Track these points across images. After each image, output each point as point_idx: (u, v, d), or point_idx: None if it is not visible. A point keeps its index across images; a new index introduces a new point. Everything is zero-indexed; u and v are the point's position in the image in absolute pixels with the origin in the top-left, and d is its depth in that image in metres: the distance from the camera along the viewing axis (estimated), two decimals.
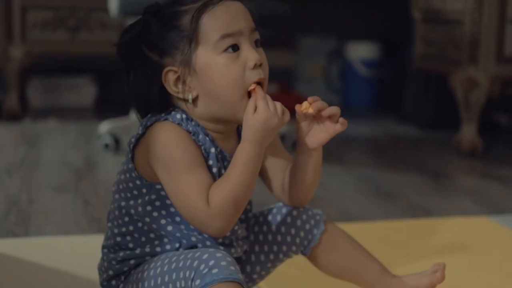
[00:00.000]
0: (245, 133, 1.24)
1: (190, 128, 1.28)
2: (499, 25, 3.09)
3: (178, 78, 1.28)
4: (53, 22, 3.68)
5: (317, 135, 1.34)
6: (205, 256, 1.20)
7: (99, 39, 3.68)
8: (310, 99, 1.32)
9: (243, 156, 1.24)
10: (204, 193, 1.22)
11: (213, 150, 1.29)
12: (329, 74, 4.57)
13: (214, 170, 1.29)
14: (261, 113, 1.23)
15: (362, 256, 1.44)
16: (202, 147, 1.28)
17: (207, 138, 1.29)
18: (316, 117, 1.34)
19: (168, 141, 1.25)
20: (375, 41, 4.42)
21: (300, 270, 1.59)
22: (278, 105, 1.26)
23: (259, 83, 1.27)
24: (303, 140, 1.35)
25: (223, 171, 1.30)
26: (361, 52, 4.40)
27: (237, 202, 1.22)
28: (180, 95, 1.28)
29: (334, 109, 1.33)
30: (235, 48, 1.26)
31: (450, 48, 3.27)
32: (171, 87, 1.28)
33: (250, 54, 1.27)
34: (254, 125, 1.23)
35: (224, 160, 1.31)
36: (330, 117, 1.33)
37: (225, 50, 1.26)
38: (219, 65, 1.26)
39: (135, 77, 1.30)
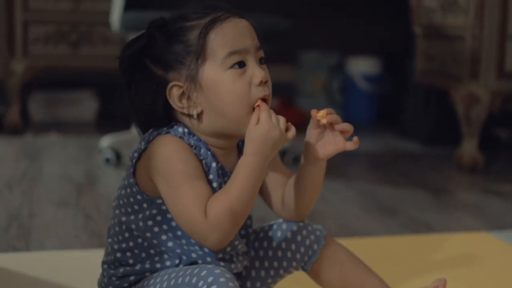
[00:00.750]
0: (247, 146, 1.24)
1: (192, 142, 1.28)
2: (499, 41, 3.10)
3: (182, 93, 1.28)
4: (55, 37, 3.69)
5: (326, 147, 1.35)
6: (204, 272, 1.20)
7: (101, 54, 3.69)
8: (327, 110, 1.33)
9: (244, 169, 1.24)
10: (203, 205, 1.22)
11: (214, 164, 1.29)
12: (330, 88, 4.58)
13: (215, 184, 1.29)
14: (263, 125, 1.23)
15: (363, 271, 1.44)
16: (203, 161, 1.28)
17: (209, 153, 1.29)
18: (329, 129, 1.34)
19: (169, 154, 1.25)
20: (376, 56, 4.43)
21: (300, 286, 1.59)
22: (282, 119, 1.26)
23: (264, 99, 1.28)
24: (310, 148, 1.35)
25: (223, 186, 1.30)
26: (362, 67, 4.40)
27: (235, 215, 1.22)
28: (185, 111, 1.28)
29: (348, 126, 1.34)
30: (241, 65, 1.27)
31: (450, 64, 3.27)
32: (176, 102, 1.28)
33: (256, 71, 1.28)
34: (256, 136, 1.24)
35: (224, 176, 1.31)
36: (342, 132, 1.34)
37: (232, 66, 1.26)
38: (226, 81, 1.26)
39: (137, 91, 1.30)
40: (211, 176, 1.29)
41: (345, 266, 1.43)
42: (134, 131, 3.20)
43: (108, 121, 4.05)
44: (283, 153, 3.03)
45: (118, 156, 2.98)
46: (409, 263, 1.89)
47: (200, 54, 1.26)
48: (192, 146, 1.28)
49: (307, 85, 4.58)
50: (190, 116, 1.29)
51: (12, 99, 3.70)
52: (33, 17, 3.66)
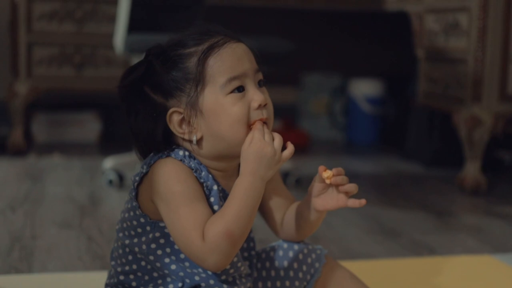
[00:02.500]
0: (241, 166, 1.25)
1: (192, 165, 1.28)
2: (502, 64, 3.11)
3: (182, 119, 1.29)
4: (59, 58, 3.71)
5: (327, 201, 1.36)
6: None
7: (104, 76, 3.71)
8: (335, 170, 1.33)
9: (240, 189, 1.24)
10: (201, 227, 1.23)
11: (215, 187, 1.29)
12: (333, 111, 4.58)
13: (216, 207, 1.29)
14: (255, 143, 1.24)
15: None
16: (204, 184, 1.29)
17: (210, 176, 1.30)
18: (333, 186, 1.35)
19: (169, 176, 1.26)
20: (378, 79, 4.44)
21: None
22: (277, 137, 1.27)
23: (264, 122, 1.29)
24: (311, 199, 1.36)
25: None
26: (364, 89, 4.41)
27: (232, 236, 1.22)
28: (186, 136, 1.29)
29: (352, 187, 1.34)
30: (240, 89, 1.28)
31: (453, 86, 3.28)
32: (176, 128, 1.29)
33: (255, 95, 1.28)
34: (248, 155, 1.24)
35: (225, 198, 1.32)
36: (346, 193, 1.34)
37: (231, 91, 1.27)
38: (225, 106, 1.27)
39: (137, 118, 1.31)
40: (212, 199, 1.29)
41: (347, 285, 1.43)
42: None
43: (111, 143, 4.06)
44: (285, 175, 3.03)
45: (121, 177, 2.98)
46: (412, 286, 1.88)
47: (199, 81, 1.27)
48: (192, 169, 1.28)
49: (310, 107, 4.59)
50: (190, 141, 1.30)
51: (16, 120, 3.71)
52: (37, 39, 3.68)
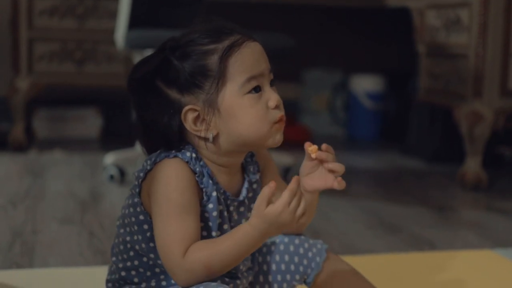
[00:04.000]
0: (253, 218, 1.21)
1: (197, 169, 1.28)
2: (503, 59, 3.11)
3: (197, 116, 1.28)
4: (60, 54, 3.71)
5: (315, 180, 1.34)
6: None
7: (106, 72, 3.70)
8: (323, 146, 1.33)
9: (240, 236, 1.22)
10: (184, 243, 1.22)
11: (214, 194, 1.29)
12: (334, 106, 4.59)
13: (214, 214, 1.29)
14: (277, 207, 1.20)
15: (365, 285, 1.44)
16: (204, 189, 1.28)
17: (210, 182, 1.29)
18: (323, 164, 1.34)
19: (169, 180, 1.25)
20: (379, 74, 4.44)
21: None
22: (302, 205, 1.22)
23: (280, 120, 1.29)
24: (301, 178, 1.35)
25: (225, 213, 1.31)
26: (365, 85, 4.42)
27: (210, 269, 1.22)
28: (201, 134, 1.28)
29: (338, 166, 1.32)
30: (257, 89, 1.27)
31: (454, 82, 3.28)
32: (191, 125, 1.28)
33: (271, 95, 1.28)
34: (266, 215, 1.20)
35: (226, 201, 1.32)
36: (332, 171, 1.33)
37: (249, 91, 1.27)
38: (244, 106, 1.26)
39: (149, 113, 1.29)
40: (210, 205, 1.29)
41: (348, 280, 1.43)
42: (138, 148, 3.21)
43: (112, 138, 4.06)
44: (286, 171, 3.03)
45: (122, 173, 2.98)
46: (413, 281, 1.89)
47: (220, 79, 1.26)
48: (196, 173, 1.28)
49: (311, 103, 4.59)
50: (205, 139, 1.29)
51: (17, 116, 3.71)
52: (38, 35, 3.68)
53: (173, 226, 1.23)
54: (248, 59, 1.27)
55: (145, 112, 1.29)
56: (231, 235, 1.23)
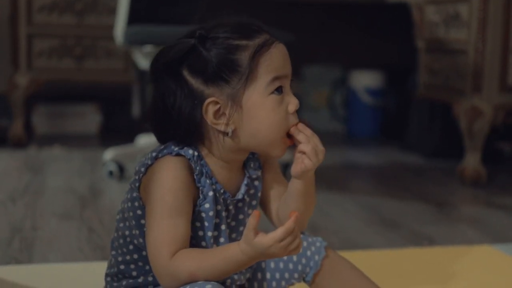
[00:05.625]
0: (243, 244, 1.19)
1: (197, 168, 1.28)
2: (502, 55, 3.11)
3: (218, 110, 1.26)
4: (59, 50, 3.71)
5: (298, 164, 1.32)
6: None
7: (105, 68, 3.70)
8: (299, 125, 1.31)
9: (228, 256, 1.21)
10: (173, 245, 1.22)
11: (211, 193, 1.28)
12: (333, 102, 4.59)
13: (211, 213, 1.28)
14: (268, 240, 1.17)
15: (365, 283, 1.44)
16: (201, 189, 1.28)
17: (208, 181, 1.29)
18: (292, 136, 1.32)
19: (165, 180, 1.25)
20: (379, 70, 4.44)
21: None
22: (295, 243, 1.19)
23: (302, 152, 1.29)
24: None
25: (223, 213, 1.31)
26: (365, 81, 4.41)
27: (194, 278, 1.21)
28: (220, 127, 1.27)
29: (306, 148, 1.29)
30: (279, 90, 1.27)
31: (453, 78, 3.28)
32: (211, 118, 1.26)
33: (292, 99, 1.29)
34: (255, 244, 1.18)
35: (226, 201, 1.31)
36: (303, 151, 1.31)
37: (273, 92, 1.27)
38: (267, 107, 1.26)
39: (171, 100, 1.27)
40: (207, 205, 1.28)
41: (347, 278, 1.43)
42: (137, 144, 3.21)
43: (111, 134, 4.06)
44: (285, 166, 3.03)
45: (121, 169, 2.98)
46: (412, 276, 1.89)
47: (248, 76, 1.25)
48: (195, 172, 1.27)
49: (310, 99, 4.59)
50: (223, 133, 1.28)
51: (16, 112, 3.71)
52: (37, 31, 3.68)
53: (163, 229, 1.23)
54: (276, 59, 1.27)
55: (167, 99, 1.27)
56: (221, 252, 1.22)
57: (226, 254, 1.21)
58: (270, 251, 1.18)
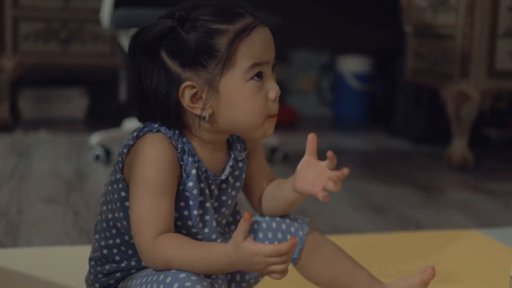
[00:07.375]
0: (229, 246, 1.17)
1: (179, 145, 1.27)
2: (490, 40, 3.11)
3: (195, 94, 1.25)
4: (45, 34, 3.68)
5: (306, 182, 1.33)
6: (169, 279, 1.18)
7: (91, 51, 3.68)
8: (328, 153, 1.32)
9: (212, 257, 1.19)
10: (155, 225, 1.21)
11: (194, 171, 1.27)
12: (321, 87, 4.58)
13: (195, 192, 1.27)
14: (255, 249, 1.15)
15: (349, 262, 1.44)
16: (183, 167, 1.27)
17: (190, 159, 1.27)
18: (319, 168, 1.33)
19: (148, 158, 1.23)
20: (366, 55, 4.43)
21: (288, 281, 1.58)
22: (281, 267, 1.16)
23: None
24: (295, 174, 1.35)
25: (207, 191, 1.30)
26: (352, 65, 4.41)
27: (169, 266, 1.20)
28: (196, 111, 1.26)
29: (332, 186, 1.30)
30: (259, 75, 1.26)
31: (441, 62, 3.28)
32: (187, 101, 1.25)
33: (272, 86, 1.27)
34: (241, 248, 1.16)
35: (207, 180, 1.30)
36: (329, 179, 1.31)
37: (251, 78, 1.25)
38: (245, 93, 1.25)
39: (148, 82, 1.26)
40: (190, 184, 1.27)
41: (331, 253, 1.43)
42: (124, 128, 3.20)
43: (98, 119, 4.05)
44: (272, 151, 3.03)
45: (107, 153, 2.97)
46: (399, 260, 1.89)
47: (226, 62, 1.23)
48: (177, 150, 1.26)
49: (298, 84, 4.59)
50: (199, 117, 1.27)
51: (2, 96, 3.69)
52: (23, 14, 3.65)
53: (148, 207, 1.21)
54: (257, 45, 1.25)
55: (145, 80, 1.26)
56: (203, 248, 1.20)
57: (208, 251, 1.19)
58: (254, 261, 1.15)
